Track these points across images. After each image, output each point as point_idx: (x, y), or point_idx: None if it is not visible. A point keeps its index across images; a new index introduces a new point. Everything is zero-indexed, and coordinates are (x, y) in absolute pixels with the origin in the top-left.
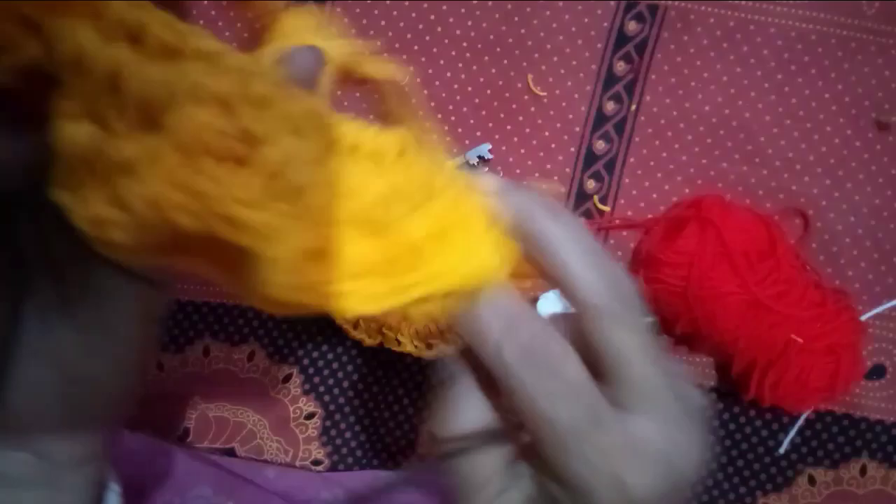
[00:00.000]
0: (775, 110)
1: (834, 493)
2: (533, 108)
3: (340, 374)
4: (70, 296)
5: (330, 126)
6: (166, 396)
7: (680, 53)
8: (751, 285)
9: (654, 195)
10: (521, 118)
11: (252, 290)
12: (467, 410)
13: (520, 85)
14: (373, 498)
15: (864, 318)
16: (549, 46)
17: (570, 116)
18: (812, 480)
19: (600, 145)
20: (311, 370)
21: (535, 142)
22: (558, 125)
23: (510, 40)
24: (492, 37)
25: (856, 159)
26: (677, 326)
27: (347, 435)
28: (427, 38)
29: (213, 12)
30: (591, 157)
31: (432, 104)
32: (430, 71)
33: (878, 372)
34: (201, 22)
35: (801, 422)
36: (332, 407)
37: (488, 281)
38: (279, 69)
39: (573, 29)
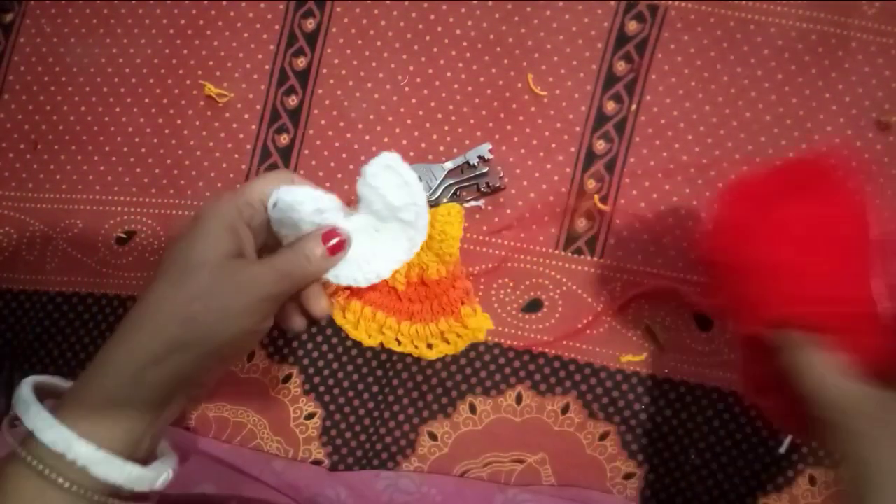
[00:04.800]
0: (776, 110)
1: (835, 493)
2: (533, 108)
3: (340, 374)
4: None
5: None
6: None
7: (680, 53)
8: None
9: (655, 195)
10: (521, 118)
11: None
12: None
13: (520, 85)
14: (374, 498)
15: None
16: (549, 46)
17: (571, 116)
18: (812, 480)
19: (600, 145)
20: (311, 370)
21: (535, 142)
22: (558, 125)
23: (510, 40)
24: (492, 37)
25: (856, 159)
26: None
27: (347, 435)
28: (427, 38)
29: (213, 12)
30: (591, 157)
31: (432, 104)
32: (430, 71)
33: None
34: (201, 22)
35: None
36: (332, 407)
37: None
38: None
39: (573, 29)
